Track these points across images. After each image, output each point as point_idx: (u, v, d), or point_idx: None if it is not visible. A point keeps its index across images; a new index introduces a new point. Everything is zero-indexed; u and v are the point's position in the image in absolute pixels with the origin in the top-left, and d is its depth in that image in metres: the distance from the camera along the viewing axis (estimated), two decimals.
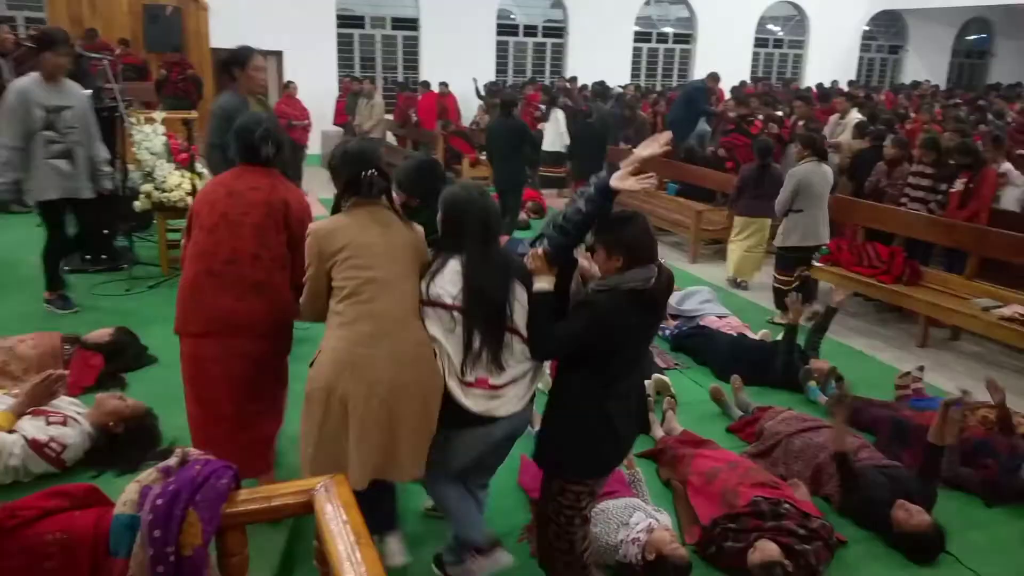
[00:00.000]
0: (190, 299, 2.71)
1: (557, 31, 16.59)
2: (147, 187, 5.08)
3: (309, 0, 13.35)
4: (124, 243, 5.60)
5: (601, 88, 12.73)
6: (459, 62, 14.24)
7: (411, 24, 14.80)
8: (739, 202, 6.79)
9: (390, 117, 13.28)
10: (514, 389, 2.38)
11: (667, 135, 2.43)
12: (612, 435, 2.42)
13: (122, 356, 3.70)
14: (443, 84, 13.33)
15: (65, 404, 2.99)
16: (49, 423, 2.81)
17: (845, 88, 13.85)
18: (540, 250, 2.34)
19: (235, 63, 4.03)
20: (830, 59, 18.15)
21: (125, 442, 2.95)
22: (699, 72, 14.66)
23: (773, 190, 6.08)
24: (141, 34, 11.93)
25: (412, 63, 14.94)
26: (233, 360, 2.66)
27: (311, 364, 2.39)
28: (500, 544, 2.68)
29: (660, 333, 5.79)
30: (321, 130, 12.76)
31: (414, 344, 2.34)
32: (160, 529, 1.45)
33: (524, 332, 2.38)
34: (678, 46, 17.75)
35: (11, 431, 2.71)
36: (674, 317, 5.93)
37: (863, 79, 18.40)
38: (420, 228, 2.55)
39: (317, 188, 11.48)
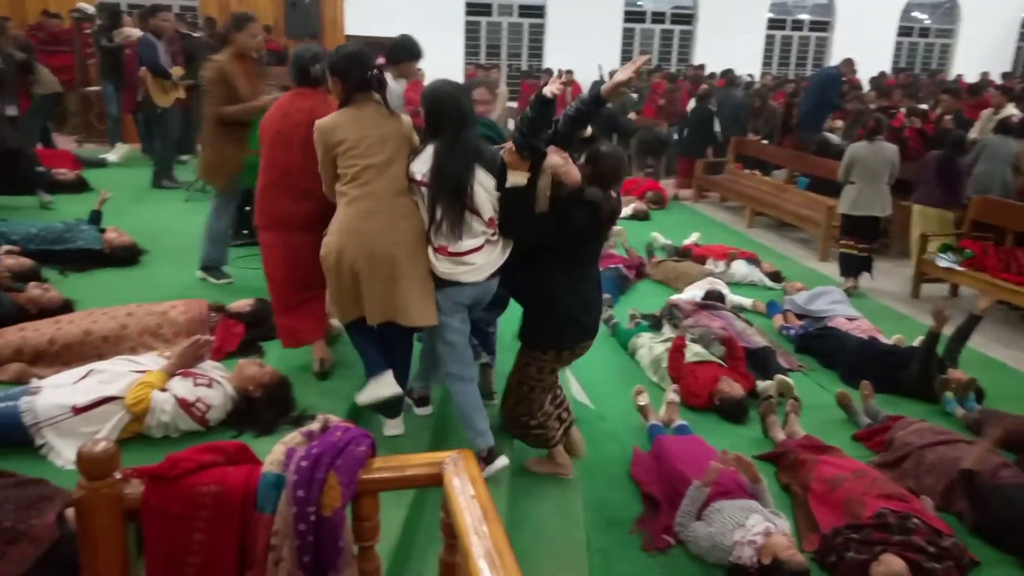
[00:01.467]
0: (261, 201, 3.47)
1: (686, 18, 16.20)
2: None
3: None
4: None
5: (729, 76, 12.35)
6: (584, 49, 14.15)
7: (537, 11, 14.84)
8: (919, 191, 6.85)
9: (514, 105, 13.37)
10: (475, 258, 2.92)
11: (644, 58, 3.05)
12: (572, 312, 3.05)
13: (261, 326, 3.91)
14: (568, 71, 13.30)
15: (210, 368, 3.20)
16: (196, 384, 3.02)
17: (998, 81, 12.84)
18: (510, 149, 2.87)
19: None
20: (982, 49, 16.85)
21: (262, 406, 3.12)
22: (835, 61, 13.97)
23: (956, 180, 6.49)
24: (282, 21, 12.54)
25: (537, 51, 15.00)
26: (291, 248, 3.39)
27: (324, 234, 3.00)
28: (497, 452, 3.19)
29: (784, 333, 5.60)
30: None
31: (404, 216, 2.95)
32: (303, 489, 1.55)
33: (483, 213, 2.90)
34: (814, 34, 16.98)
35: (163, 390, 2.93)
36: (801, 317, 5.73)
37: (1020, 71, 17.00)
38: (408, 119, 3.11)
39: None
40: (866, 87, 12.19)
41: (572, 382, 4.80)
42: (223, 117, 4.49)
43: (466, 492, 1.57)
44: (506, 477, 3.23)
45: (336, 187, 3.00)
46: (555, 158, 2.88)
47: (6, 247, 4.60)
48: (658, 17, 16.12)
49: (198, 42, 9.05)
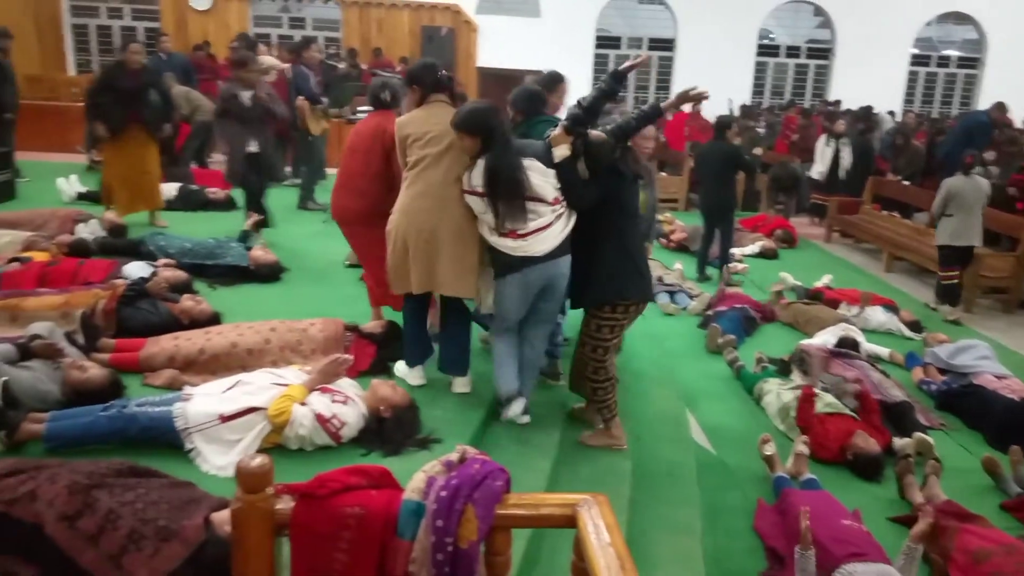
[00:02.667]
0: (333, 198, 4.25)
1: (822, 52, 15.70)
2: None
3: (572, 22, 13.80)
4: None
5: (866, 113, 11.86)
6: (714, 82, 13.91)
7: (667, 44, 14.78)
8: None
9: None
10: (542, 235, 3.32)
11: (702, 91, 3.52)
12: (624, 268, 3.49)
13: (390, 347, 4.05)
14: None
15: (347, 386, 3.33)
16: (334, 401, 3.15)
17: None
18: (559, 128, 3.37)
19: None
20: None
21: (391, 427, 3.21)
22: (985, 101, 13.13)
23: None
24: (419, 53, 13.07)
25: (665, 84, 14.92)
26: (360, 237, 4.19)
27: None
28: (514, 402, 3.59)
29: (925, 388, 5.28)
30: None
31: (451, 200, 3.40)
32: (442, 519, 1.58)
33: (546, 197, 3.31)
34: (962, 71, 16.06)
35: (303, 404, 3.07)
36: (943, 372, 5.38)
37: None
38: None
39: None
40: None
41: (692, 424, 4.69)
42: None
43: (602, 538, 1.55)
44: (623, 523, 3.18)
45: (404, 173, 3.58)
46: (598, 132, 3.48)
47: (163, 260, 4.98)
48: (793, 51, 15.70)
49: (339, 73, 9.55)
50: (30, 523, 2.28)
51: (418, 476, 1.69)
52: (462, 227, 3.43)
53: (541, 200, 3.30)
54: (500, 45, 13.53)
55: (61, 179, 7.56)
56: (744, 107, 13.54)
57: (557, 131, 3.38)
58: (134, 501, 2.35)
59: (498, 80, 14.01)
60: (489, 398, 3.75)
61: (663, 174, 11.78)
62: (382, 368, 3.91)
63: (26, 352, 3.30)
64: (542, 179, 3.31)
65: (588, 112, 3.33)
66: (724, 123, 7.67)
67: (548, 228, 3.33)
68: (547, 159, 3.34)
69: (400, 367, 3.88)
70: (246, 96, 6.05)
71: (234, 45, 9.72)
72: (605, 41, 14.58)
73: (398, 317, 4.02)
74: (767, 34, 15.54)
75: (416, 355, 3.80)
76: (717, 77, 14.08)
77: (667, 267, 7.54)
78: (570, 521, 1.66)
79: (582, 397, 3.92)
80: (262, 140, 6.05)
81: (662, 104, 3.56)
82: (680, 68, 14.76)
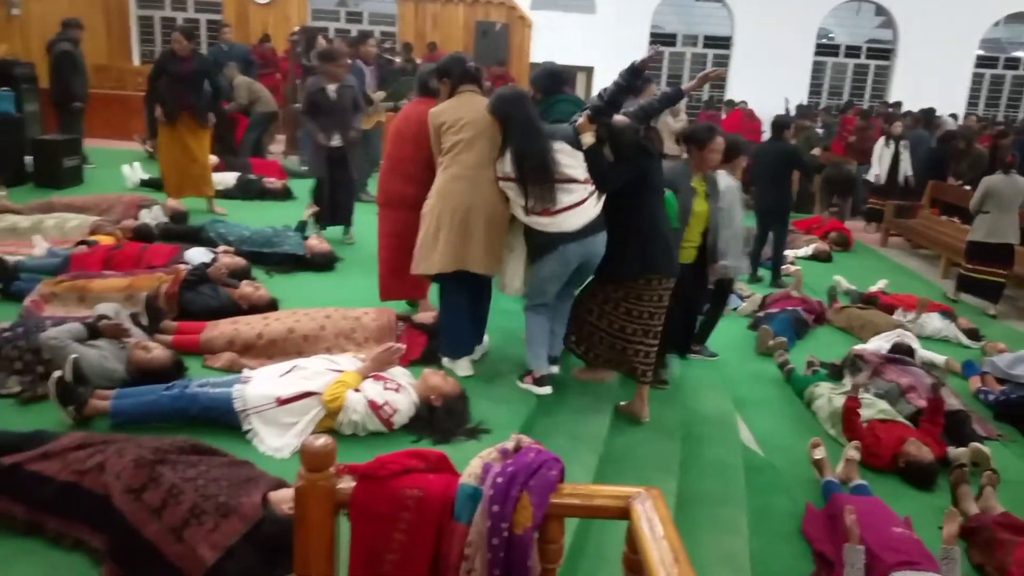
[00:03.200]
0: (381, 184, 4.31)
1: (883, 52, 15.33)
2: None
3: (626, 18, 13.71)
4: None
5: (926, 116, 11.55)
6: (770, 82, 13.77)
7: (723, 42, 14.59)
8: None
9: None
10: (573, 215, 3.49)
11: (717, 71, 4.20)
12: (656, 243, 3.69)
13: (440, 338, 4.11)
14: (741, 103, 12.97)
15: (399, 374, 3.39)
16: (386, 388, 3.21)
17: None
18: (583, 116, 3.61)
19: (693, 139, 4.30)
20: None
21: (441, 415, 3.26)
22: None
23: None
24: (472, 48, 13.13)
25: (719, 82, 14.73)
26: (399, 222, 4.10)
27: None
28: (549, 381, 3.79)
29: (982, 397, 5.15)
30: None
31: (483, 183, 3.56)
32: (498, 505, 1.61)
33: (578, 176, 3.51)
34: None
35: (357, 390, 3.14)
36: (1001, 382, 5.25)
37: None
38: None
39: None
40: None
41: (741, 426, 4.65)
42: None
43: (655, 531, 1.56)
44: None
45: (439, 159, 3.73)
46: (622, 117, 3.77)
47: (223, 247, 5.11)
48: (852, 51, 15.36)
49: (395, 67, 9.66)
50: (99, 494, 2.38)
51: (475, 462, 1.72)
52: (495, 208, 3.60)
53: (573, 180, 3.52)
54: (554, 41, 13.51)
55: (125, 166, 7.80)
56: (800, 107, 13.31)
57: (581, 120, 3.62)
58: (196, 477, 2.44)
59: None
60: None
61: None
62: (433, 358, 3.96)
63: (94, 331, 3.42)
64: (572, 160, 3.52)
65: (609, 104, 3.60)
66: (782, 122, 7.54)
67: (581, 204, 3.52)
68: (575, 142, 3.57)
69: (446, 360, 3.91)
70: (332, 89, 6.08)
71: (294, 38, 9.89)
72: (659, 38, 14.45)
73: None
74: (826, 33, 15.23)
75: (458, 344, 3.88)
76: (773, 76, 13.90)
77: None
78: (623, 513, 1.67)
79: (574, 355, 4.14)
80: (345, 133, 6.10)
81: (683, 87, 4.06)
82: (736, 66, 14.56)
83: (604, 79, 13.72)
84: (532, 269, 3.69)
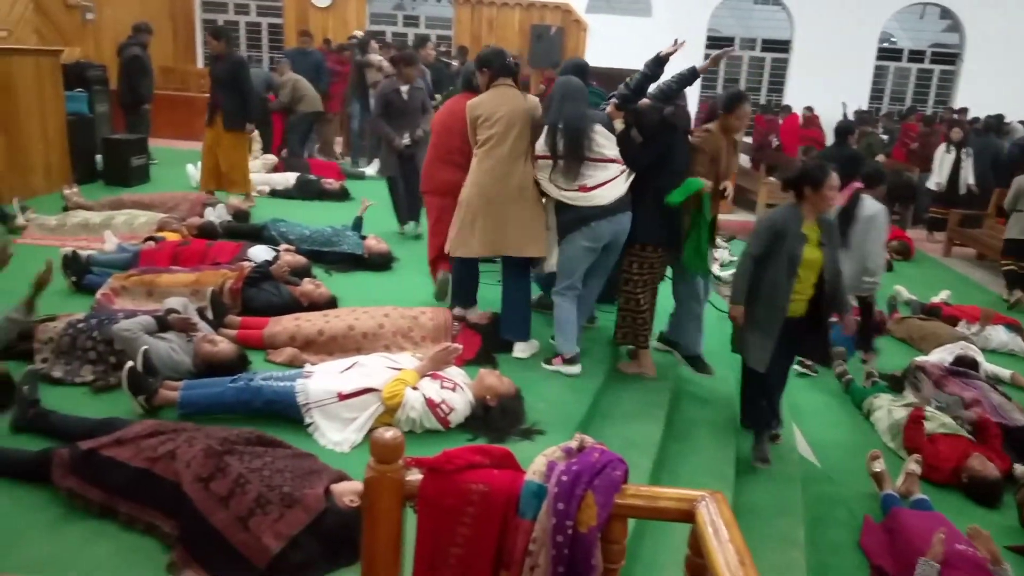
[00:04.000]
0: (427, 172, 4.57)
1: (948, 57, 14.90)
2: None
3: (683, 21, 13.58)
4: None
5: (996, 122, 11.19)
6: (830, 86, 13.52)
7: (782, 46, 14.37)
8: None
9: (748, 140, 13.04)
10: (605, 189, 3.77)
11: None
12: (657, 216, 3.96)
13: (495, 339, 4.14)
14: (807, 108, 12.75)
15: (455, 373, 3.43)
16: (443, 387, 3.25)
17: None
18: (611, 104, 4.04)
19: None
20: None
21: (497, 415, 3.29)
22: None
23: None
24: (527, 51, 13.18)
25: (778, 86, 14.51)
26: (445, 208, 4.31)
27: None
28: (578, 359, 3.96)
29: None
30: None
31: (519, 173, 3.86)
32: (563, 503, 1.63)
33: (610, 155, 3.81)
34: None
35: (415, 388, 3.19)
36: None
37: None
38: (534, 98, 4.03)
39: None
40: None
41: (798, 436, 4.58)
42: None
43: (720, 535, 1.56)
44: None
45: (474, 151, 4.00)
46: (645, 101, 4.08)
47: (284, 245, 5.23)
48: (916, 56, 14.97)
49: (452, 71, 9.74)
50: (170, 481, 2.47)
51: (539, 460, 1.74)
52: (527, 196, 3.91)
53: (606, 159, 3.81)
54: (609, 44, 13.48)
55: (190, 165, 8.03)
56: (859, 112, 13.02)
57: (610, 108, 4.02)
58: (261, 468, 2.51)
59: (606, 80, 13.97)
60: (594, 389, 3.79)
61: (771, 179, 11.48)
62: (487, 358, 3.99)
63: (163, 324, 3.54)
64: (606, 141, 3.83)
65: (634, 92, 4.00)
66: (846, 128, 7.37)
67: (614, 181, 3.83)
68: (610, 126, 3.89)
69: (518, 350, 4.12)
70: (404, 91, 6.30)
71: (353, 41, 10.05)
72: (717, 42, 14.29)
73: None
74: (888, 37, 14.88)
75: (520, 329, 4.14)
76: (833, 81, 13.63)
77: None
78: (687, 516, 1.67)
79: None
80: (415, 132, 6.25)
81: (698, 67, 4.15)
82: (794, 70, 14.32)
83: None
84: (560, 248, 3.92)
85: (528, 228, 3.90)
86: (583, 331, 4.20)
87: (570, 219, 3.82)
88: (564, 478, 1.66)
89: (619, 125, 3.94)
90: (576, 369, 3.93)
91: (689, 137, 4.16)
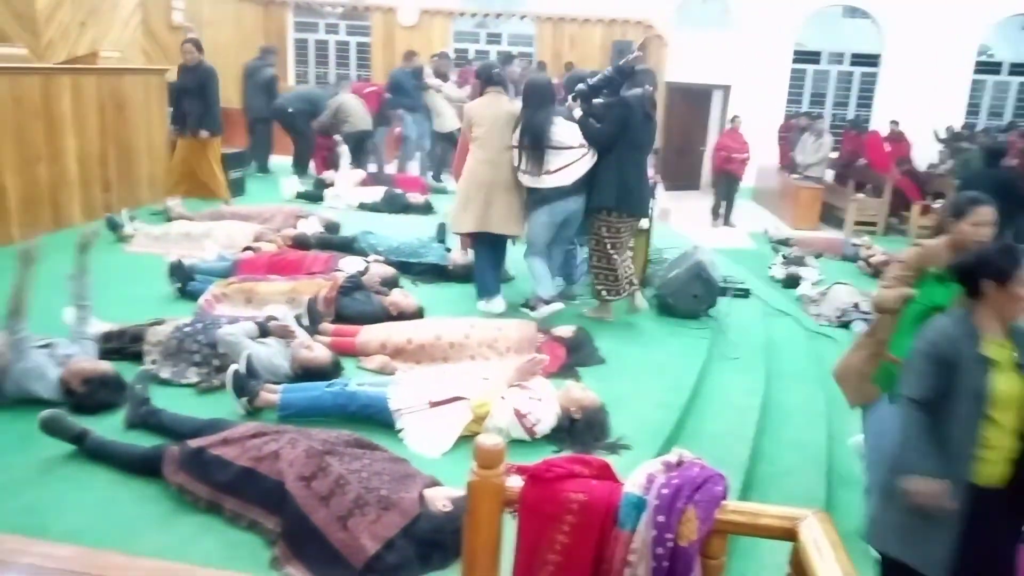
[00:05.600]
0: (457, 163, 5.47)
1: None
2: None
3: (768, 36, 13.38)
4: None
5: None
6: (921, 101, 13.06)
7: (871, 60, 13.97)
8: None
9: (835, 156, 12.72)
10: (565, 172, 4.54)
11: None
12: (626, 183, 4.58)
13: (579, 352, 4.16)
14: (893, 122, 12.33)
15: (542, 384, 3.47)
16: (530, 398, 3.30)
17: None
18: (572, 98, 4.80)
19: None
20: None
21: (582, 428, 3.31)
22: None
23: None
24: (608, 66, 13.19)
25: (866, 101, 14.09)
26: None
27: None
28: (559, 300, 4.79)
29: None
30: (758, 165, 12.73)
31: (504, 163, 4.64)
32: (664, 516, 1.64)
33: (572, 143, 4.54)
34: None
35: (502, 398, 3.24)
36: None
37: None
38: (518, 102, 4.78)
39: (744, 220, 11.52)
40: None
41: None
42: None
43: (824, 555, 1.55)
44: None
45: (470, 146, 4.80)
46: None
47: (373, 256, 5.39)
48: (1018, 69, 14.31)
49: None
50: (273, 480, 2.58)
51: (638, 472, 1.75)
52: (510, 182, 4.66)
53: (567, 147, 4.54)
54: (691, 59, 13.37)
55: (283, 178, 8.35)
56: (949, 129, 12.53)
57: (571, 100, 4.81)
58: (360, 470, 2.60)
59: (686, 95, 13.86)
60: (680, 405, 3.77)
61: (860, 196, 11.16)
62: (571, 371, 4.01)
63: (264, 330, 3.70)
64: (566, 130, 4.56)
65: (592, 90, 4.65)
66: (997, 149, 6.68)
67: (573, 164, 4.55)
68: (570, 116, 4.65)
69: (481, 304, 4.83)
70: None
71: (435, 60, 10.25)
72: (803, 56, 14.00)
73: None
74: (987, 50, 14.27)
75: (489, 290, 4.88)
76: (925, 95, 13.16)
77: (865, 294, 7.14)
78: (789, 534, 1.66)
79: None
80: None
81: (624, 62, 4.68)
82: (884, 85, 13.88)
83: (742, 98, 13.46)
84: (528, 223, 4.75)
85: (509, 211, 4.69)
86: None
87: (535, 199, 4.67)
88: (664, 491, 1.67)
89: (578, 112, 4.68)
90: (559, 306, 4.73)
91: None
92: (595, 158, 4.58)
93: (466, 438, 3.23)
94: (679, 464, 1.78)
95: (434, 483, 2.67)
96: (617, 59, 13.03)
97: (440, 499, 2.53)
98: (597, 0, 13.30)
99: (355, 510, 2.45)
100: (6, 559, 1.16)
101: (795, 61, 13.87)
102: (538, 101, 4.57)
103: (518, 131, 4.56)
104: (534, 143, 4.49)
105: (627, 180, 4.58)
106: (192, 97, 7.23)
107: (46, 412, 2.95)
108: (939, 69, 13.47)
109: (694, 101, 14.16)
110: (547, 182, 4.54)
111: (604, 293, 4.82)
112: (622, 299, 4.86)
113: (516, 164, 4.59)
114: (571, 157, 4.53)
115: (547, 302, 4.68)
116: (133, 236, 6.03)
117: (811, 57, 14.12)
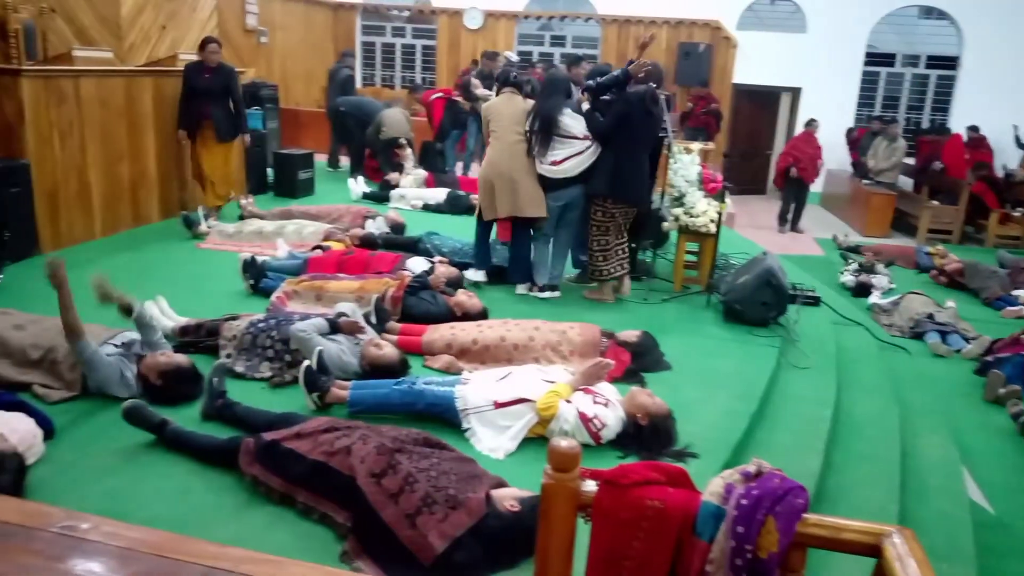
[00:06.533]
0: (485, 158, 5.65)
1: None
2: (677, 211, 5.54)
3: (840, 38, 13.03)
4: (645, 257, 6.21)
5: None
6: (1002, 106, 12.51)
7: (949, 63, 13.48)
8: None
9: (909, 161, 12.32)
10: (571, 163, 5.03)
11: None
12: (621, 174, 5.00)
13: (644, 357, 4.12)
14: (972, 128, 11.86)
15: (607, 389, 3.44)
16: (595, 402, 3.27)
17: None
18: (582, 92, 5.25)
19: None
20: None
21: (648, 434, 3.27)
22: None
23: None
24: (673, 69, 13.05)
25: (943, 105, 13.61)
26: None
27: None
28: (557, 288, 5.37)
29: None
30: (828, 169, 12.42)
31: (519, 153, 5.12)
32: (743, 526, 1.61)
33: (578, 134, 5.01)
34: None
35: (568, 401, 3.23)
36: None
37: None
38: (530, 100, 5.33)
39: (812, 226, 11.25)
40: None
41: (968, 479, 4.26)
42: None
43: (909, 571, 1.50)
44: None
45: (488, 140, 5.35)
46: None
47: (439, 257, 5.44)
48: None
49: None
50: (345, 475, 2.62)
51: (716, 481, 1.72)
52: (528, 170, 5.12)
53: (574, 137, 5.02)
54: (759, 61, 13.12)
55: (350, 179, 8.50)
56: None
57: (580, 96, 5.27)
58: (428, 468, 2.62)
59: (753, 97, 13.61)
60: (749, 414, 3.70)
61: (934, 203, 10.78)
62: (636, 377, 3.98)
63: (334, 327, 3.77)
64: (573, 121, 5.03)
65: (600, 88, 5.05)
66: None
67: (579, 155, 5.04)
68: (578, 109, 5.11)
69: (521, 289, 5.34)
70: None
71: (483, 60, 10.25)
72: (876, 58, 13.58)
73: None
74: None
75: (527, 276, 5.36)
76: (1007, 100, 12.61)
77: (939, 305, 6.89)
78: (872, 550, 1.61)
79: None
80: None
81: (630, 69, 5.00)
82: (962, 89, 13.36)
83: (812, 101, 13.14)
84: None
85: (531, 195, 5.11)
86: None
87: (544, 184, 5.12)
88: (744, 502, 1.64)
89: (585, 105, 5.13)
90: (556, 294, 5.32)
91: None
92: (598, 151, 5.03)
93: (529, 440, 3.24)
94: (758, 475, 1.74)
95: (501, 484, 2.68)
96: (684, 60, 12.95)
97: (508, 499, 2.54)
98: (663, 1, 13.17)
99: (423, 508, 2.47)
100: (103, 540, 1.20)
101: (867, 63, 13.46)
102: (551, 90, 5.15)
103: (530, 119, 5.07)
104: (544, 127, 4.98)
105: (622, 171, 5.00)
106: (216, 99, 6.58)
107: (128, 402, 3.06)
108: (1022, 71, 12.91)
109: (761, 104, 13.89)
110: (554, 172, 5.05)
111: (596, 273, 5.28)
112: (611, 279, 5.30)
113: (527, 150, 5.10)
114: (576, 148, 5.01)
115: (540, 288, 5.26)
116: (208, 233, 6.21)
117: (885, 59, 13.68)
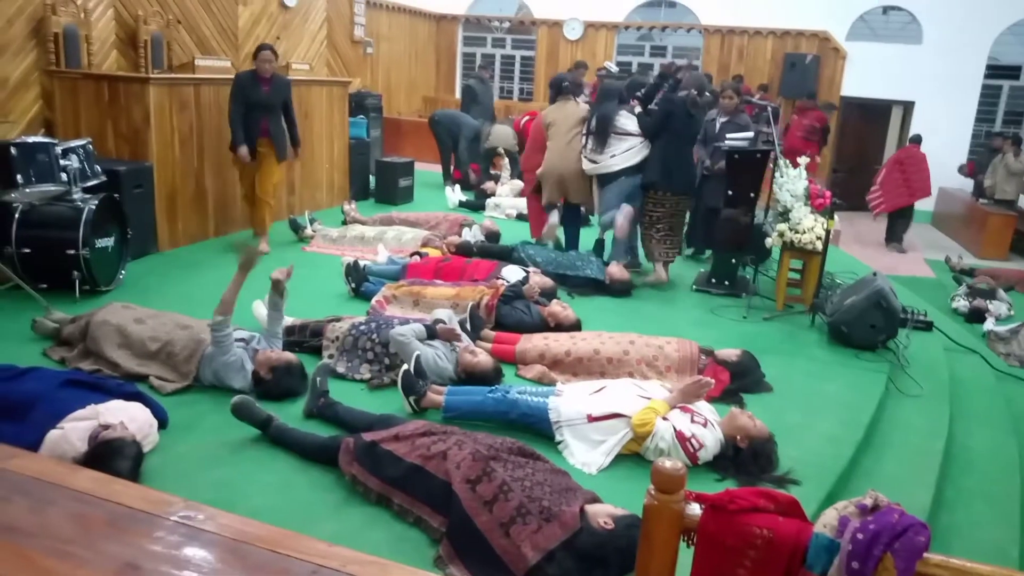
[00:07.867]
0: (526, 159, 6.62)
1: None
2: (782, 227, 5.37)
3: (958, 49, 12.38)
4: (746, 273, 6.04)
5: None
6: None
7: None
8: None
9: None
10: (622, 157, 5.78)
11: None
12: (668, 165, 5.71)
13: (745, 378, 4.00)
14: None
15: (705, 409, 3.36)
16: (693, 421, 3.20)
17: None
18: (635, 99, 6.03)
19: None
20: None
21: (747, 458, 3.17)
22: None
23: None
24: (778, 80, 12.70)
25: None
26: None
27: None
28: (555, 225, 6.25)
29: None
30: (940, 187, 11.80)
31: (573, 156, 5.98)
32: (858, 562, 1.53)
33: (632, 131, 5.78)
34: None
35: (665, 418, 3.17)
36: None
37: None
38: (585, 106, 6.22)
39: (922, 246, 10.70)
40: None
41: None
42: None
43: None
44: None
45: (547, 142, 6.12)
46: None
47: (532, 268, 5.45)
48: None
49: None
50: (440, 479, 2.65)
51: (830, 513, 1.65)
52: (577, 168, 5.96)
53: (627, 132, 5.76)
54: (870, 73, 12.61)
55: (448, 187, 8.64)
56: None
57: (634, 102, 5.95)
58: (523, 479, 2.61)
59: (862, 110, 13.09)
60: (855, 442, 3.54)
61: None
62: (735, 397, 3.87)
63: (431, 333, 3.83)
64: (628, 121, 5.79)
65: (647, 96, 5.86)
66: None
67: (632, 150, 5.76)
68: (631, 110, 5.85)
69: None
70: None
71: (603, 73, 10.25)
72: (997, 71, 12.83)
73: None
74: None
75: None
76: None
77: None
78: None
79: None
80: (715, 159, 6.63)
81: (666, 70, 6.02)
82: None
83: (926, 115, 12.52)
84: (602, 194, 5.96)
85: (581, 187, 6.02)
86: None
87: (606, 179, 5.85)
88: (860, 536, 1.56)
89: (638, 108, 5.85)
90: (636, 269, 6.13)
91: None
92: (648, 146, 5.75)
93: (623, 456, 3.20)
94: (875, 508, 1.66)
95: (595, 499, 2.65)
96: (789, 72, 12.58)
97: (602, 515, 2.50)
98: (770, 11, 12.84)
99: (517, 518, 2.47)
100: (218, 532, 1.23)
101: (988, 76, 12.73)
102: (606, 97, 5.98)
103: (589, 121, 5.86)
104: (600, 128, 5.76)
105: (669, 163, 5.68)
106: (274, 113, 5.93)
107: (237, 397, 3.19)
108: None
109: (871, 117, 13.34)
110: (613, 165, 5.76)
111: (649, 256, 6.00)
112: (660, 263, 5.92)
113: (582, 148, 5.87)
114: (631, 143, 5.75)
115: (625, 266, 5.85)
116: (313, 237, 6.43)
117: (1008, 72, 12.91)
